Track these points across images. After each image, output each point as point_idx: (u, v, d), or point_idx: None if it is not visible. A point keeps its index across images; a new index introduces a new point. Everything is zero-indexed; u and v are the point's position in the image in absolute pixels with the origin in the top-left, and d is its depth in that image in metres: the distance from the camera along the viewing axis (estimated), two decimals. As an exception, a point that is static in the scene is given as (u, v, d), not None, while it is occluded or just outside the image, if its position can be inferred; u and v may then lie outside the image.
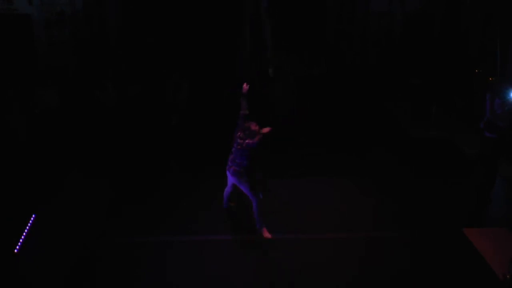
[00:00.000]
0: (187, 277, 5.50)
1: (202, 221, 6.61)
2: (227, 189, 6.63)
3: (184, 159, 8.78)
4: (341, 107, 11.07)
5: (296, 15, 12.31)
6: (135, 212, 6.87)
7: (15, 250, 5.31)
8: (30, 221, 5.73)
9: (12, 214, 5.88)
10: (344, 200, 7.18)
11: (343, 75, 12.08)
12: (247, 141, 5.93)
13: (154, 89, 10.30)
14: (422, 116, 10.48)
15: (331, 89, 11.43)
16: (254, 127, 5.93)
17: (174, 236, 6.29)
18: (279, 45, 11.70)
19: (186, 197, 7.28)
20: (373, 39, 12.57)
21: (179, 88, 9.83)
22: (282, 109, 10.15)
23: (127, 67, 10.88)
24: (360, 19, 12.47)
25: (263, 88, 10.56)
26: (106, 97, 9.78)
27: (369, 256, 5.85)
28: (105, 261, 5.78)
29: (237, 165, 6.07)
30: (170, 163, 8.68)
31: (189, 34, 12.07)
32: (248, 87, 6.19)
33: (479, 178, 7.16)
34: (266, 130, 6.02)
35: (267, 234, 6.19)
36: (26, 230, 5.60)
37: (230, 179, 6.33)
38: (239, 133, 6.06)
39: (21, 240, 5.44)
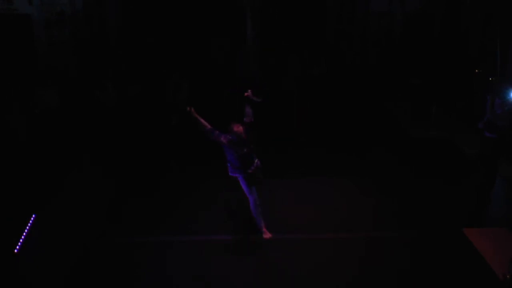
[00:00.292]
0: (187, 277, 5.50)
1: (202, 221, 6.62)
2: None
3: (184, 159, 8.78)
4: (341, 107, 11.07)
5: (296, 15, 12.33)
6: (135, 212, 6.88)
7: (15, 250, 5.30)
8: (30, 221, 5.72)
9: (12, 214, 5.86)
10: (344, 200, 7.18)
11: (343, 75, 12.08)
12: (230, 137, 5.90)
13: (154, 89, 10.30)
14: (422, 116, 10.48)
15: (331, 89, 11.43)
16: (237, 128, 5.89)
17: (174, 236, 6.29)
18: (279, 45, 11.71)
19: (186, 197, 7.28)
20: (373, 39, 12.58)
21: (179, 88, 9.82)
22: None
23: (127, 67, 10.88)
24: (360, 19, 12.47)
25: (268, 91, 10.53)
26: (106, 97, 9.77)
27: (369, 256, 5.84)
28: (105, 261, 5.79)
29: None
30: (170, 163, 8.68)
31: (189, 34, 12.07)
32: (252, 92, 6.00)
33: (479, 178, 7.16)
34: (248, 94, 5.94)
35: (267, 234, 6.19)
36: (26, 230, 5.59)
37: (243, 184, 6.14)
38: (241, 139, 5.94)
39: (21, 240, 5.43)
